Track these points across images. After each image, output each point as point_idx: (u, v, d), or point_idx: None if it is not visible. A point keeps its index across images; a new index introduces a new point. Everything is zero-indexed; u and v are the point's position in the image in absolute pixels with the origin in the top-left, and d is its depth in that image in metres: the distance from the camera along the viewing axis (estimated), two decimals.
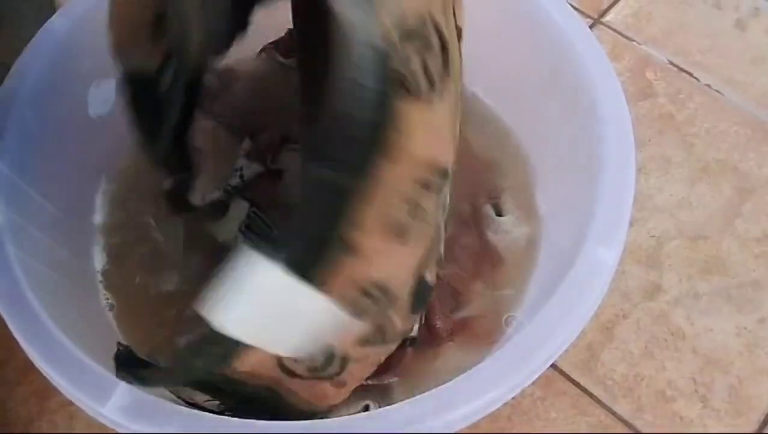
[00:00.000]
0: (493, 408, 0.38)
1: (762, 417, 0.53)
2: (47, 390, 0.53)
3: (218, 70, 0.61)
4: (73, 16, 0.51)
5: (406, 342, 0.48)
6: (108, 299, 0.51)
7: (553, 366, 0.55)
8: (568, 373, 0.55)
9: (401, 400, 0.45)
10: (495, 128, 0.58)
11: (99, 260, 0.52)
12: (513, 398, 0.53)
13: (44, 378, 0.40)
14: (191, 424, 0.37)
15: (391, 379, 0.47)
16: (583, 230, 0.42)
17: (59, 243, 0.48)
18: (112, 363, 0.40)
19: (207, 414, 0.38)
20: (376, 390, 0.47)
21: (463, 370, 0.39)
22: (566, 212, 0.48)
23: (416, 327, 0.48)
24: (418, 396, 0.37)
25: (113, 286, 0.51)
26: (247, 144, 0.55)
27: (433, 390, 0.38)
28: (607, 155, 0.44)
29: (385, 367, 0.47)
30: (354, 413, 0.45)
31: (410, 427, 0.36)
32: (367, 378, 0.46)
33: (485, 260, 0.53)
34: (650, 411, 0.53)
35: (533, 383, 0.53)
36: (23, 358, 0.40)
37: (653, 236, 0.60)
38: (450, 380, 0.38)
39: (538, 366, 0.39)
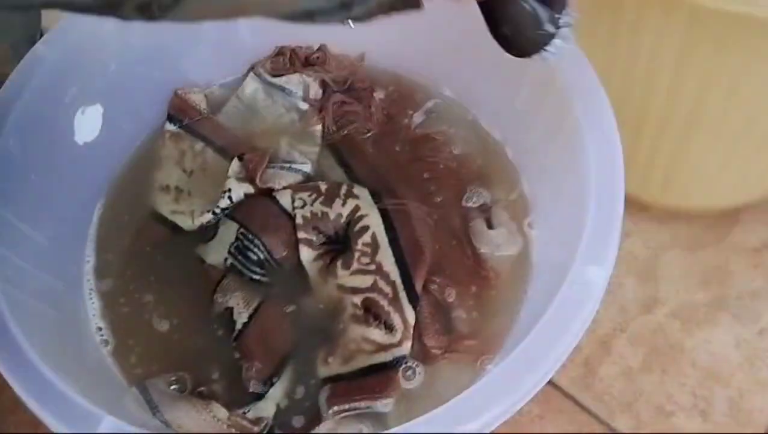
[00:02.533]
0: (488, 430, 0.38)
1: (764, 431, 0.52)
2: (38, 419, 0.53)
3: (206, 89, 0.61)
4: (58, 44, 0.51)
5: (399, 362, 0.47)
6: (100, 328, 0.50)
7: (551, 382, 0.54)
8: (566, 389, 0.54)
9: (396, 423, 0.45)
10: (486, 144, 0.58)
11: (90, 289, 0.52)
12: (510, 416, 0.53)
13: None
14: None
15: (385, 402, 0.46)
16: (573, 246, 0.42)
17: (47, 273, 0.48)
18: (101, 395, 0.40)
19: None
20: (369, 414, 0.46)
21: (457, 390, 0.38)
22: (558, 226, 0.48)
23: (408, 345, 0.48)
24: (414, 421, 0.37)
25: (104, 314, 0.51)
26: (235, 165, 0.54)
27: (429, 414, 0.37)
28: (595, 169, 0.44)
29: (380, 389, 0.46)
30: None
31: None
32: (361, 402, 0.46)
33: (478, 275, 0.52)
34: (650, 426, 0.53)
35: (530, 400, 0.53)
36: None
37: (649, 247, 0.60)
38: (444, 401, 0.38)
39: (529, 387, 0.38)
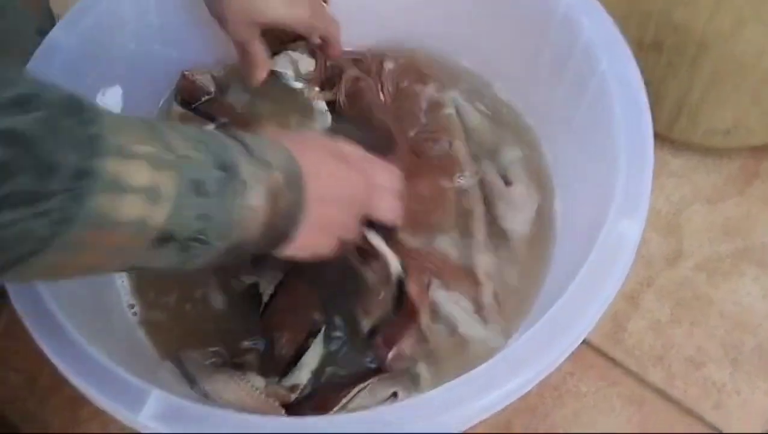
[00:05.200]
0: (522, 392, 0.38)
1: None
2: (79, 400, 0.53)
3: (213, 70, 0.60)
4: (75, 28, 0.51)
5: (402, 281, 0.47)
6: (132, 305, 0.51)
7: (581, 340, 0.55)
8: (596, 345, 0.54)
9: (429, 386, 0.45)
10: (505, 107, 0.58)
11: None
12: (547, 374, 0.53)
13: (75, 388, 0.40)
14: (225, 425, 0.37)
15: (425, 321, 0.47)
16: (602, 201, 0.42)
17: None
18: (142, 370, 0.40)
19: (239, 415, 0.38)
20: (403, 376, 0.47)
21: (491, 351, 0.38)
22: (582, 182, 0.48)
23: (395, 262, 0.47)
24: (446, 384, 0.37)
25: (135, 291, 0.52)
26: None
27: (462, 377, 0.37)
28: (622, 124, 0.44)
29: (413, 313, 0.46)
30: (382, 401, 0.45)
31: (443, 414, 0.36)
32: (412, 333, 0.46)
33: (500, 234, 0.52)
34: (681, 377, 0.53)
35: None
36: (54, 370, 0.40)
37: (671, 202, 0.60)
38: (478, 363, 0.38)
39: (567, 345, 0.38)
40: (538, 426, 0.51)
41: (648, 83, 0.45)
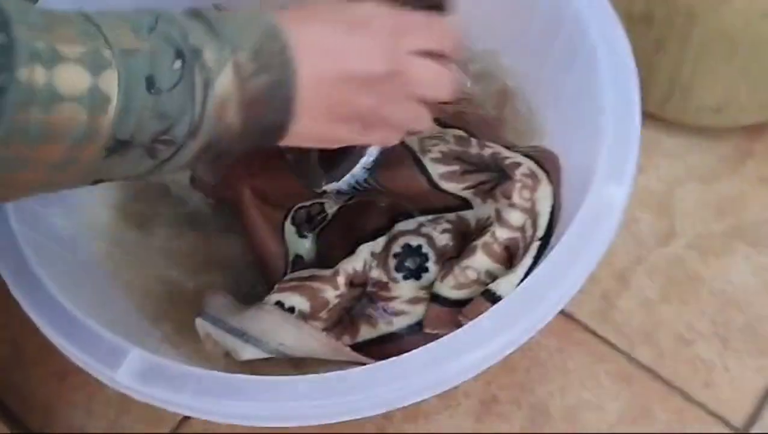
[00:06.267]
0: (503, 355, 0.38)
1: None
2: (65, 371, 0.54)
3: None
4: None
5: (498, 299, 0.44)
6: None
7: (570, 316, 0.54)
8: (585, 322, 0.54)
9: None
10: (502, 87, 0.57)
11: (105, 231, 0.52)
12: (530, 350, 0.53)
13: (61, 359, 0.40)
14: (206, 386, 0.36)
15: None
16: (589, 170, 0.42)
17: (66, 218, 0.48)
18: (123, 331, 0.40)
19: (222, 374, 0.37)
20: None
21: None
22: (571, 154, 0.47)
23: None
24: (427, 346, 0.37)
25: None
26: None
27: (443, 339, 0.37)
28: (610, 93, 0.44)
29: (471, 317, 0.45)
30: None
31: (423, 374, 0.36)
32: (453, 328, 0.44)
33: None
34: (670, 355, 0.53)
35: (550, 334, 0.53)
36: (40, 341, 0.40)
37: (664, 182, 0.60)
38: None
39: (548, 309, 0.38)
40: (524, 401, 0.51)
41: (639, 59, 0.45)
